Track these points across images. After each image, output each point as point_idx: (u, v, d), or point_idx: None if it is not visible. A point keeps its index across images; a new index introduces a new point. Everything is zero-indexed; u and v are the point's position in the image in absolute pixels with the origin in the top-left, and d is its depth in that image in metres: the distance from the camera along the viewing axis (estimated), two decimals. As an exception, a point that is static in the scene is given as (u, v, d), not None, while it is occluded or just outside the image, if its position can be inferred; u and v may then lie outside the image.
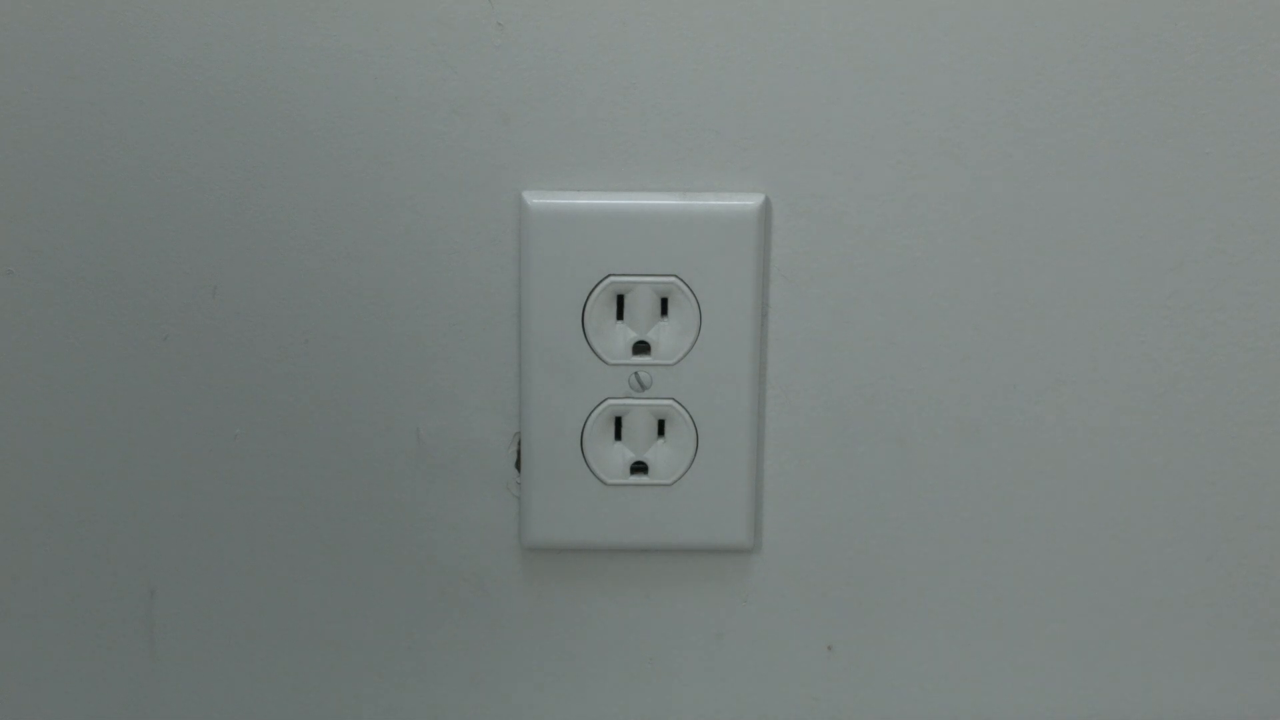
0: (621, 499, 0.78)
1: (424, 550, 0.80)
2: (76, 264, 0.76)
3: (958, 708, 0.82)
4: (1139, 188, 0.75)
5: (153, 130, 0.74)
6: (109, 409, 0.78)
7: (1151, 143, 0.75)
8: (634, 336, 0.76)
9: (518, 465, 0.78)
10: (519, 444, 0.78)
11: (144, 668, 0.81)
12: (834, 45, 0.73)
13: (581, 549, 0.79)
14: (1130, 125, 0.74)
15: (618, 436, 0.78)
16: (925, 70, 0.74)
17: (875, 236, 0.76)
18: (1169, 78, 0.74)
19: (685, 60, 0.74)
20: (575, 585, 0.80)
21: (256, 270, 0.76)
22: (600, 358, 0.76)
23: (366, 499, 0.79)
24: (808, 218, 0.76)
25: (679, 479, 0.78)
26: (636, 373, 0.77)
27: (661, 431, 0.78)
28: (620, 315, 0.76)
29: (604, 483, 0.77)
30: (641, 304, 0.76)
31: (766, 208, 0.75)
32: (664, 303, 0.76)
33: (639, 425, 0.77)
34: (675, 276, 0.75)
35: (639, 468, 0.78)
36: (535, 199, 0.75)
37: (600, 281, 0.76)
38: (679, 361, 0.76)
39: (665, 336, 0.76)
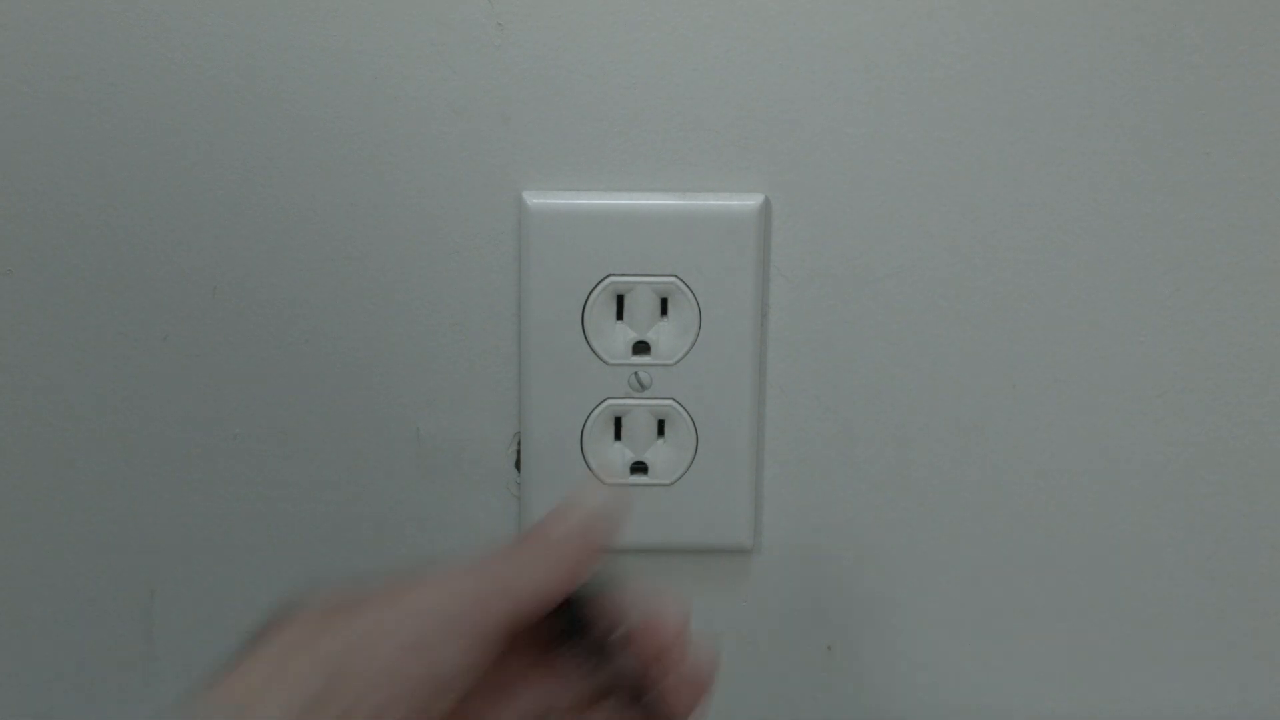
0: (621, 499, 0.78)
1: (424, 550, 0.80)
2: (76, 264, 0.76)
3: (958, 708, 0.82)
4: (1139, 187, 0.75)
5: (153, 130, 0.74)
6: (109, 409, 0.78)
7: (1152, 143, 0.75)
8: (634, 336, 0.76)
9: (518, 465, 0.78)
10: (519, 444, 0.78)
11: (144, 668, 0.81)
12: (834, 45, 0.73)
13: (581, 549, 0.79)
14: (1131, 125, 0.74)
15: (617, 436, 0.78)
16: (925, 70, 0.74)
17: (875, 236, 0.76)
18: (1169, 78, 0.74)
19: (685, 60, 0.74)
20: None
21: (256, 270, 0.76)
22: (600, 358, 0.76)
23: (366, 499, 0.79)
24: (808, 218, 0.76)
25: (679, 479, 0.78)
26: (636, 373, 0.77)
27: (661, 431, 0.78)
28: (620, 315, 0.76)
29: (604, 483, 0.77)
30: (641, 304, 0.76)
31: (766, 208, 0.75)
32: (664, 303, 0.76)
33: (639, 425, 0.77)
34: (675, 276, 0.76)
35: (639, 468, 0.78)
36: (535, 199, 0.75)
37: (600, 281, 0.76)
38: (679, 361, 0.76)
39: (665, 336, 0.76)
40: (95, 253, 0.76)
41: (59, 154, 0.75)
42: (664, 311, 0.76)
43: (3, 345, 0.77)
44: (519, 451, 0.78)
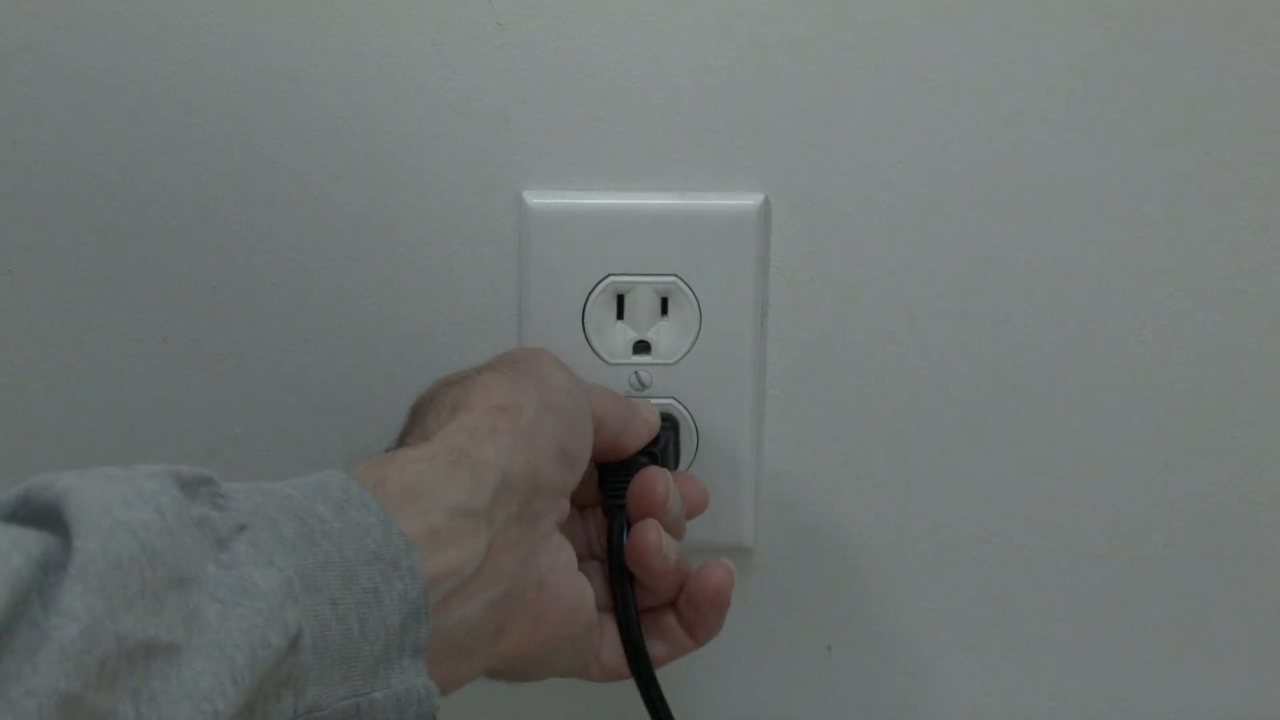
0: (621, 499, 0.78)
1: (424, 550, 0.80)
2: (76, 264, 0.76)
3: (957, 708, 0.82)
4: (1139, 187, 0.75)
5: (153, 130, 0.74)
6: (109, 409, 0.78)
7: (1152, 143, 0.75)
8: (634, 336, 0.76)
9: (518, 465, 0.78)
10: (519, 444, 0.78)
11: (144, 668, 0.81)
12: (834, 45, 0.73)
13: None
14: (1131, 125, 0.74)
15: (618, 436, 0.78)
16: (925, 71, 0.74)
17: (875, 236, 0.76)
18: (1169, 78, 0.74)
19: (685, 60, 0.74)
20: (575, 585, 0.80)
21: (256, 270, 0.76)
22: (600, 357, 0.76)
23: (366, 499, 0.79)
24: (808, 218, 0.76)
25: (679, 479, 0.78)
26: (636, 372, 0.77)
27: (662, 431, 0.78)
28: (620, 315, 0.76)
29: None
30: (641, 304, 0.76)
31: (766, 208, 0.75)
32: (664, 303, 0.76)
33: (639, 425, 0.77)
34: (675, 276, 0.75)
35: (639, 467, 0.78)
36: (535, 199, 0.75)
37: (600, 281, 0.76)
38: (679, 361, 0.76)
39: (665, 336, 0.76)
40: (95, 253, 0.76)
41: (59, 154, 0.75)
42: (664, 311, 0.76)
43: (3, 345, 0.77)
44: (519, 451, 0.78)
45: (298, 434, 0.78)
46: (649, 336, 0.76)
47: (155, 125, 0.74)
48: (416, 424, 0.66)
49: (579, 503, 0.71)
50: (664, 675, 0.73)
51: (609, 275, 0.75)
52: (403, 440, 0.66)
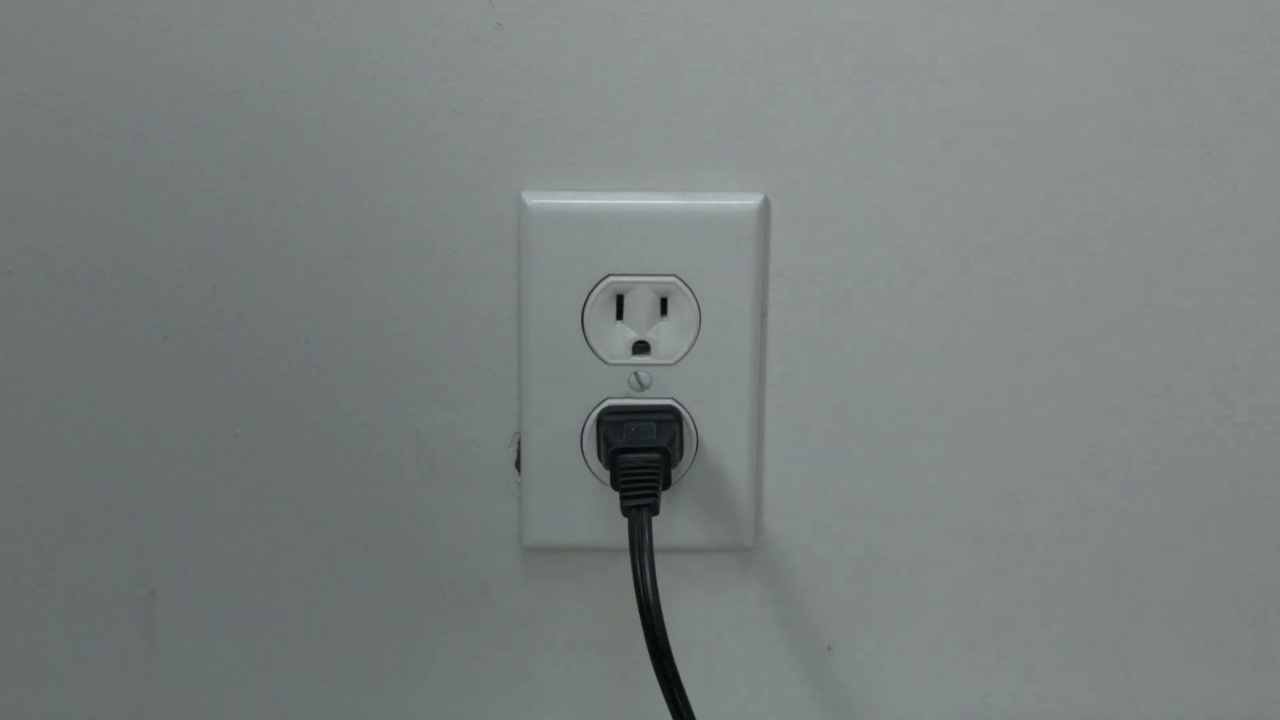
0: (621, 499, 0.78)
1: (424, 550, 0.80)
2: (76, 264, 0.76)
3: (958, 708, 0.82)
4: (1139, 187, 0.75)
5: (153, 130, 0.74)
6: (109, 409, 0.78)
7: (1152, 142, 0.75)
8: (634, 336, 0.76)
9: (518, 465, 0.78)
10: (519, 444, 0.78)
11: (144, 668, 0.81)
12: (834, 45, 0.73)
13: (581, 549, 0.79)
14: (1131, 125, 0.74)
15: (618, 436, 0.78)
16: (925, 70, 0.74)
17: (875, 236, 0.76)
18: (1169, 77, 0.74)
19: (685, 60, 0.74)
20: (575, 585, 0.80)
21: (256, 270, 0.76)
22: (600, 358, 0.76)
23: (366, 499, 0.79)
24: (808, 218, 0.76)
25: (679, 479, 0.78)
26: (636, 373, 0.77)
27: (661, 431, 0.78)
28: (620, 315, 0.76)
29: (604, 482, 0.77)
30: (641, 304, 0.76)
31: (766, 208, 0.75)
32: (664, 303, 0.76)
33: (639, 425, 0.77)
34: (675, 276, 0.75)
35: (639, 467, 0.78)
36: (535, 199, 0.75)
37: (600, 281, 0.76)
38: (679, 361, 0.76)
39: (665, 336, 0.76)
40: (95, 253, 0.76)
41: (59, 154, 0.75)
42: (664, 311, 0.76)
43: (3, 345, 0.77)
44: (519, 451, 0.78)
45: (298, 434, 0.78)
46: (648, 337, 0.76)
47: (155, 125, 0.74)
48: None
49: None
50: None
51: (608, 275, 0.76)
52: None
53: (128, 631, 0.81)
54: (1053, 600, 0.81)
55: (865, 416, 0.78)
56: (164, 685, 0.81)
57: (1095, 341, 0.77)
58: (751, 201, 0.75)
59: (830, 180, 0.75)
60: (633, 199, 0.75)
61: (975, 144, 0.75)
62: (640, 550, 0.71)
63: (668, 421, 0.76)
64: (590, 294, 0.76)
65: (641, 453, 0.75)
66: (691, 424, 0.77)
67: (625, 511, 0.73)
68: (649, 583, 0.71)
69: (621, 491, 0.74)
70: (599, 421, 0.76)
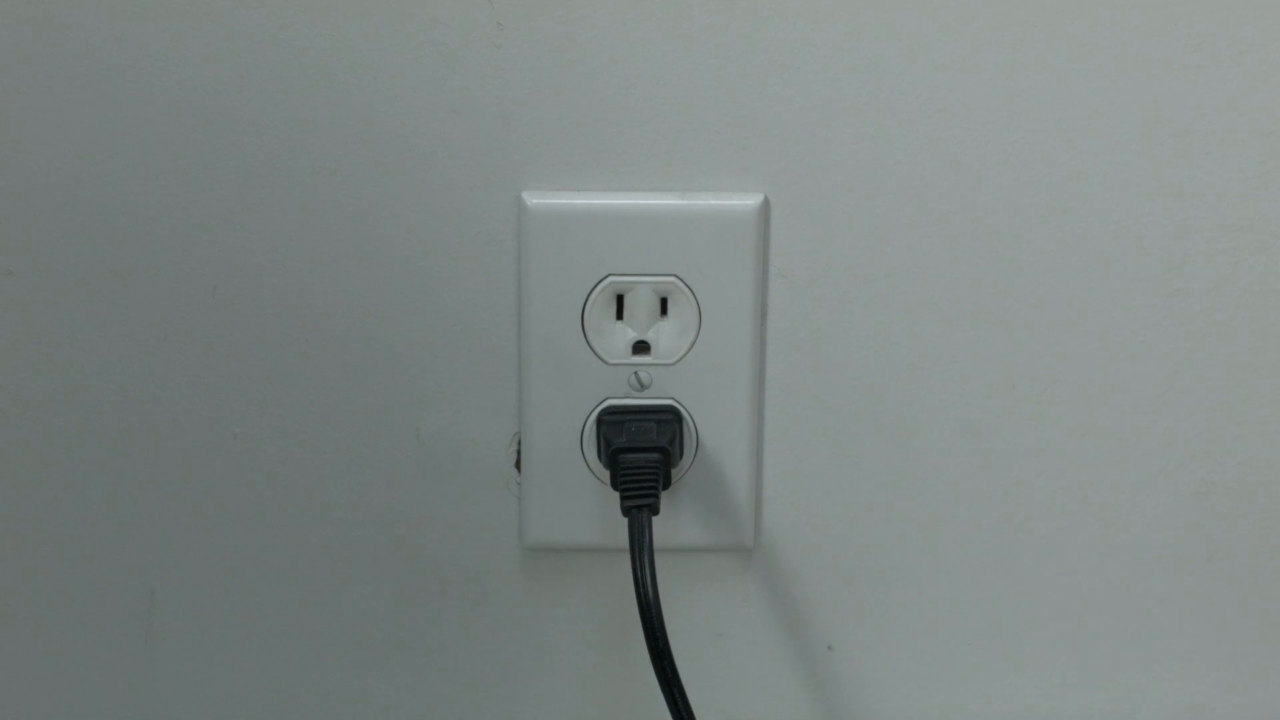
0: (621, 499, 0.78)
1: (424, 550, 0.80)
2: (76, 264, 0.76)
3: (958, 708, 0.82)
4: (1139, 187, 0.75)
5: (153, 130, 0.74)
6: (109, 409, 0.78)
7: (1152, 142, 0.75)
8: (634, 336, 0.76)
9: (518, 465, 0.78)
10: (519, 444, 0.78)
11: (144, 668, 0.81)
12: (834, 45, 0.73)
13: (581, 549, 0.79)
14: (1131, 125, 0.74)
15: (618, 436, 0.78)
16: (925, 70, 0.74)
17: (875, 236, 0.76)
18: (1169, 77, 0.74)
19: (685, 60, 0.74)
20: (575, 585, 0.80)
21: (256, 270, 0.76)
22: (600, 358, 0.76)
23: (366, 499, 0.79)
24: (808, 218, 0.76)
25: (679, 478, 0.78)
26: (636, 372, 0.77)
27: (661, 431, 0.78)
28: (620, 315, 0.76)
29: (604, 482, 0.77)
30: (641, 304, 0.76)
31: (766, 208, 0.75)
32: (664, 303, 0.76)
33: (639, 425, 0.77)
34: (675, 276, 0.76)
35: (639, 467, 0.78)
36: (535, 199, 0.75)
37: (600, 281, 0.76)
38: (679, 361, 0.76)
39: (665, 336, 0.76)
40: (95, 253, 0.76)
41: (59, 154, 0.75)
42: (664, 311, 0.76)
43: (3, 345, 0.77)
44: (519, 451, 0.78)
45: (297, 434, 0.78)
46: (648, 337, 0.76)
47: (155, 125, 0.74)
48: None
49: None
50: (664, 675, 0.73)
51: (608, 275, 0.76)
52: None
53: (128, 631, 0.81)
54: (1052, 600, 0.81)
55: (865, 416, 0.78)
56: (163, 685, 0.81)
57: (1095, 341, 0.77)
58: (751, 201, 0.75)
59: (830, 180, 0.75)
60: (633, 199, 0.75)
61: (975, 144, 0.75)
62: (640, 550, 0.72)
63: (668, 421, 0.76)
64: (590, 294, 0.76)
65: (641, 453, 0.75)
66: (691, 424, 0.77)
67: (625, 511, 0.73)
68: (649, 583, 0.71)
69: (621, 491, 0.74)
70: (599, 421, 0.76)
